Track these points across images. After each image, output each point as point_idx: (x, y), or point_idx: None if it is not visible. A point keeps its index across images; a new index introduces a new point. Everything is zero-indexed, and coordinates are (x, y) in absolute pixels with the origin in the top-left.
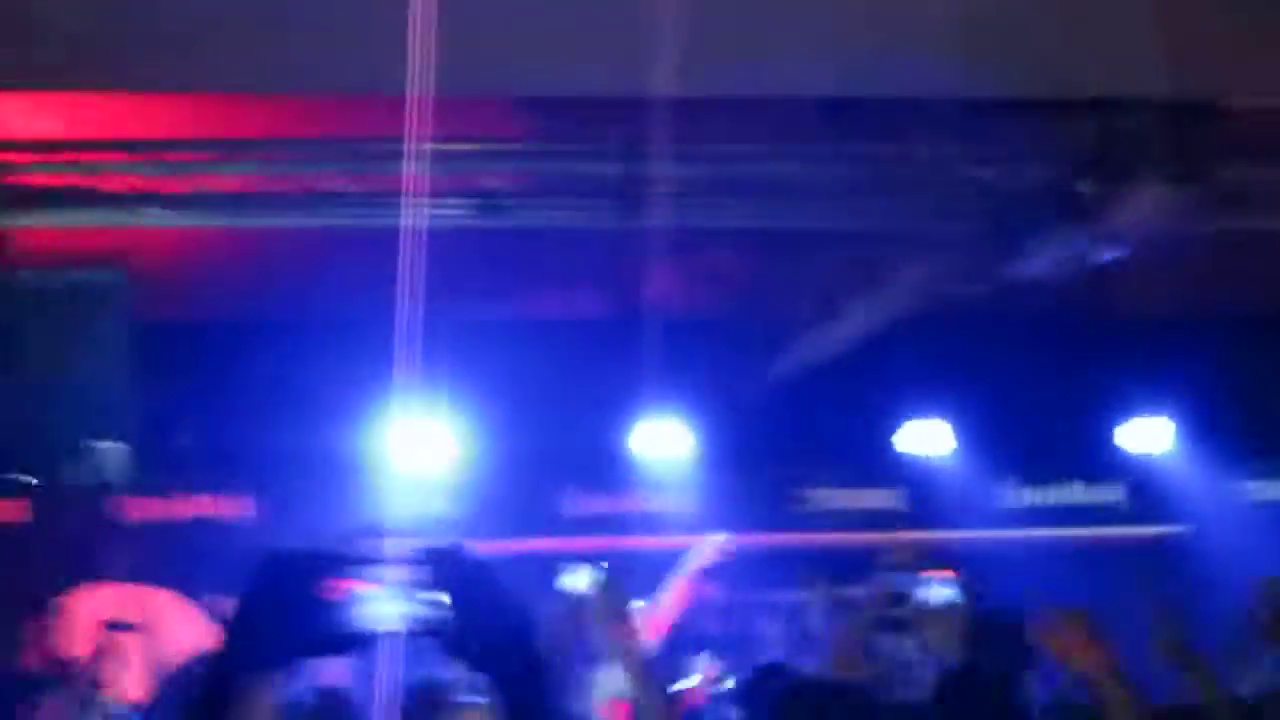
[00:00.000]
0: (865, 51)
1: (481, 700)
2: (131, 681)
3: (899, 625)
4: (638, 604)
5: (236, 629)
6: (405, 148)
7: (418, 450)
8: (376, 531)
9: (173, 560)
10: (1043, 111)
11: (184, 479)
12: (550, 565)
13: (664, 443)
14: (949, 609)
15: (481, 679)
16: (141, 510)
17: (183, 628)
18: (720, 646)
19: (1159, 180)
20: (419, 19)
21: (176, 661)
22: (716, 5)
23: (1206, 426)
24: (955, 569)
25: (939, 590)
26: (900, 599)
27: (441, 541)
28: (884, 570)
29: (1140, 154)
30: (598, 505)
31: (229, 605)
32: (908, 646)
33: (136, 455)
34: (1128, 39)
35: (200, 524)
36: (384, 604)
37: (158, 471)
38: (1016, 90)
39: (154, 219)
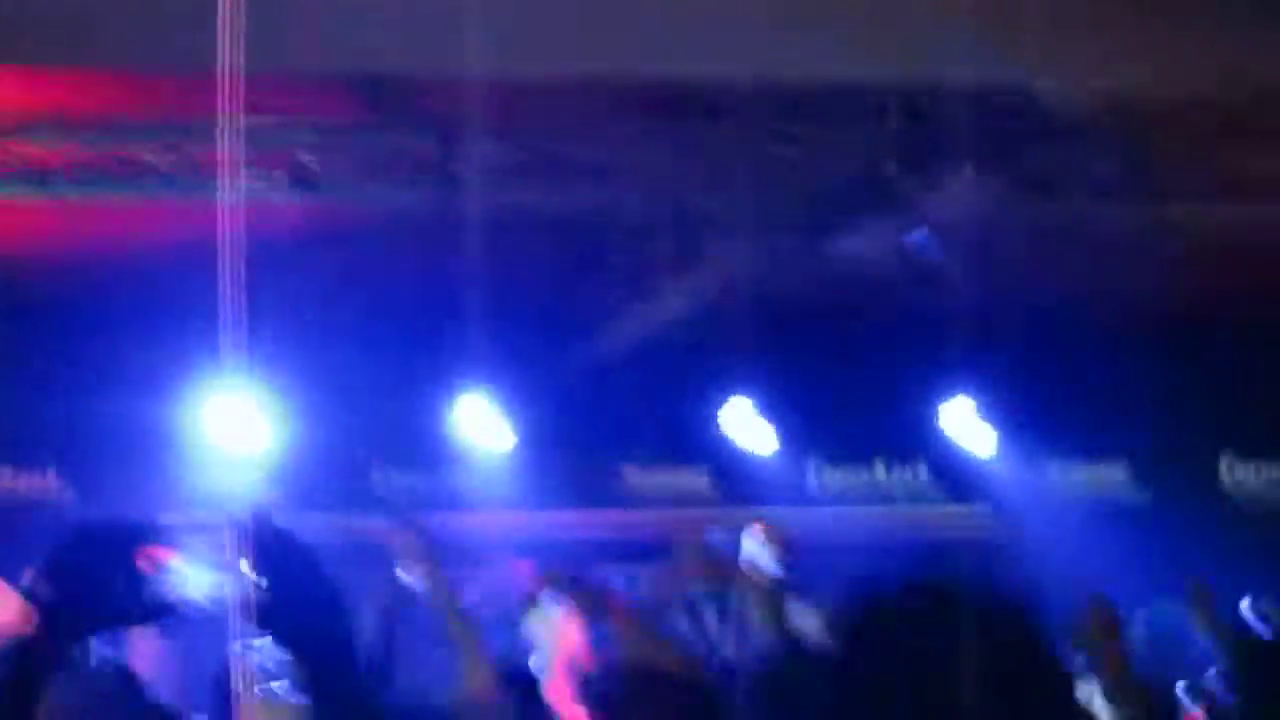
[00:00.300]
0: (679, 31)
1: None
2: None
3: (721, 587)
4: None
5: (47, 598)
6: (219, 122)
7: (231, 426)
8: (188, 505)
9: None
10: (852, 96)
11: None
12: (364, 543)
13: (480, 422)
14: (770, 566)
15: (287, 653)
16: None
17: None
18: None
19: (966, 167)
20: None
21: None
22: None
23: (1012, 411)
24: (767, 528)
25: (755, 548)
26: (719, 562)
27: (252, 513)
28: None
29: (949, 140)
30: (412, 482)
31: (39, 577)
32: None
33: None
34: (940, 23)
35: (6, 501)
36: (194, 574)
37: None
38: (826, 73)
39: None
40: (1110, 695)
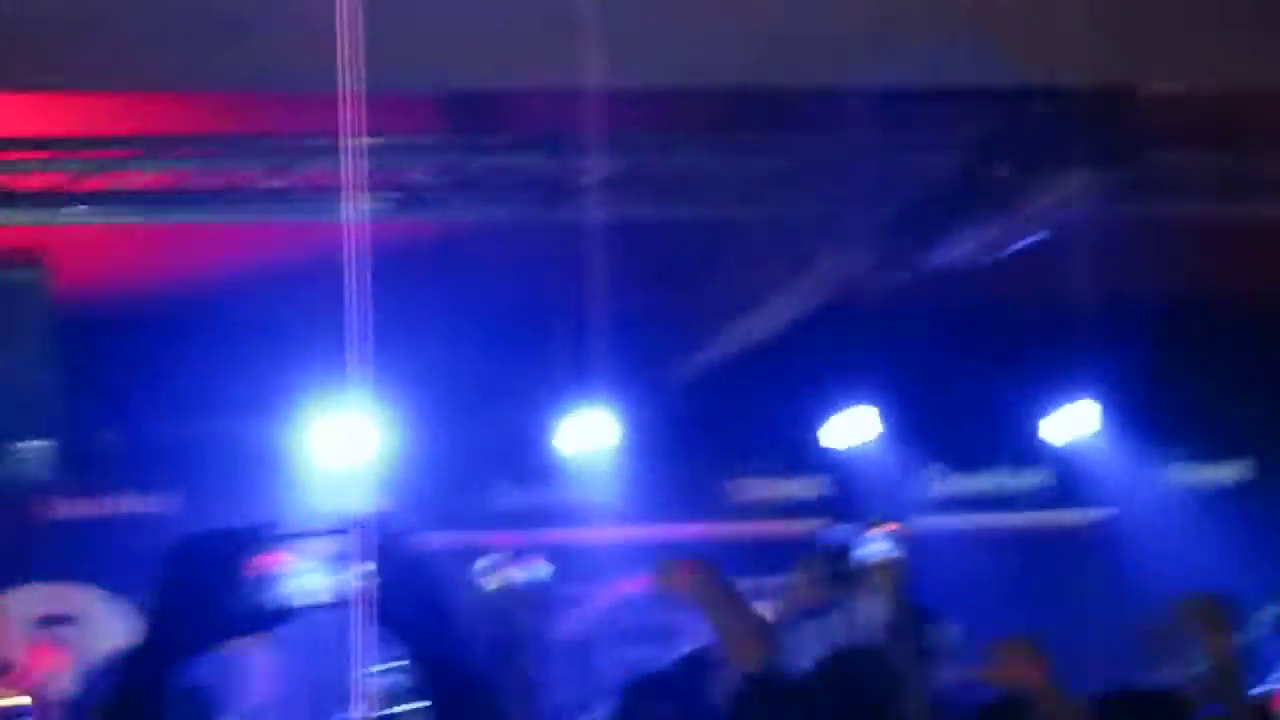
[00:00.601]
0: (782, 40)
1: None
2: (63, 680)
3: (842, 579)
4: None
5: (158, 613)
6: (330, 143)
7: (344, 445)
8: (300, 517)
9: (101, 558)
10: (958, 97)
11: (110, 476)
12: (479, 558)
13: (591, 435)
14: (889, 562)
15: (407, 653)
16: (68, 508)
17: (113, 625)
18: (651, 637)
19: (1077, 166)
20: (345, 13)
21: (106, 659)
22: None
23: (1129, 412)
24: (893, 523)
25: (879, 544)
26: (841, 554)
27: (367, 515)
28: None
29: (1057, 139)
30: (526, 498)
31: (152, 592)
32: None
33: (62, 453)
34: (1045, 23)
35: (128, 521)
36: (309, 577)
37: (83, 469)
38: (932, 77)
39: (73, 217)
40: (1212, 691)
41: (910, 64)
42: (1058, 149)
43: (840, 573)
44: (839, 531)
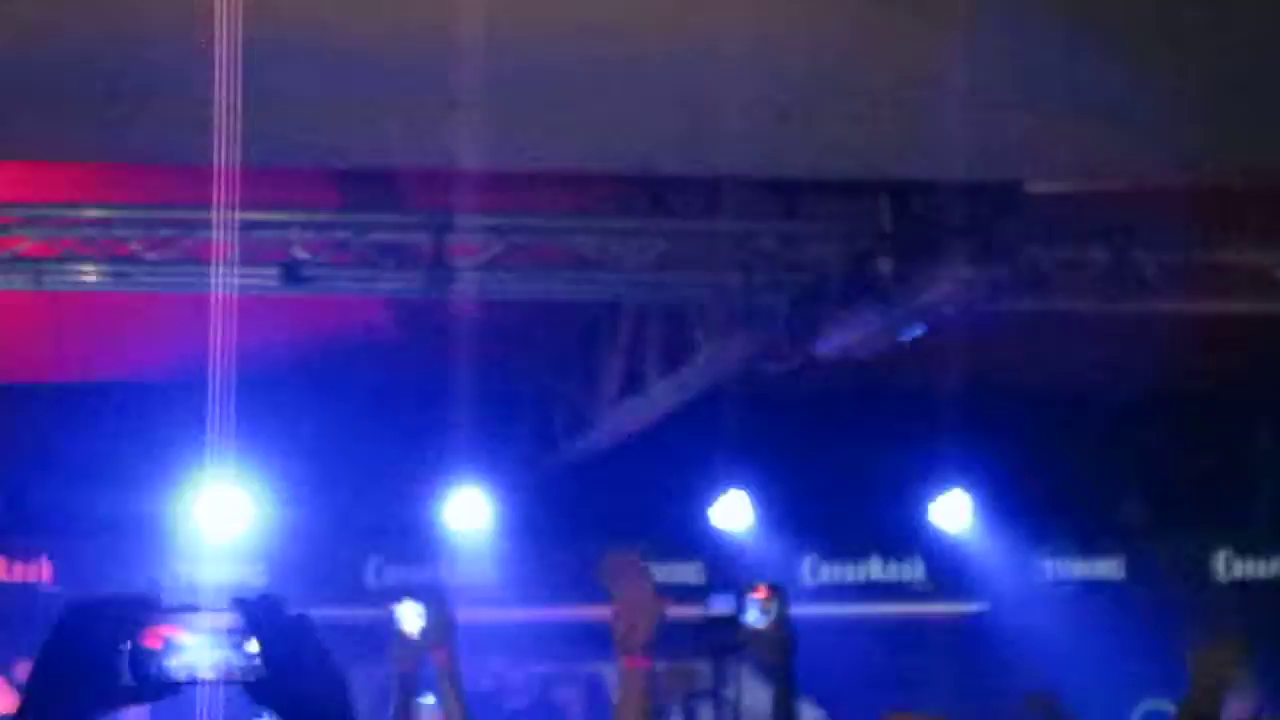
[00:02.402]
0: (673, 127)
1: None
2: None
3: (727, 649)
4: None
5: (42, 681)
6: (211, 214)
7: (221, 518)
8: (180, 589)
9: None
10: (845, 191)
11: None
12: (353, 633)
13: (471, 514)
14: (775, 627)
15: None
16: None
17: None
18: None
19: (959, 261)
20: (225, 87)
21: None
22: (525, 77)
23: (1006, 504)
24: (770, 591)
25: (761, 612)
26: (726, 622)
27: (253, 591)
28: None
29: (940, 235)
30: (404, 575)
31: (31, 663)
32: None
33: None
34: (929, 119)
35: (1, 587)
36: (196, 651)
37: None
38: (820, 168)
39: None
40: None
41: (797, 154)
42: (942, 243)
43: (727, 641)
44: (722, 600)
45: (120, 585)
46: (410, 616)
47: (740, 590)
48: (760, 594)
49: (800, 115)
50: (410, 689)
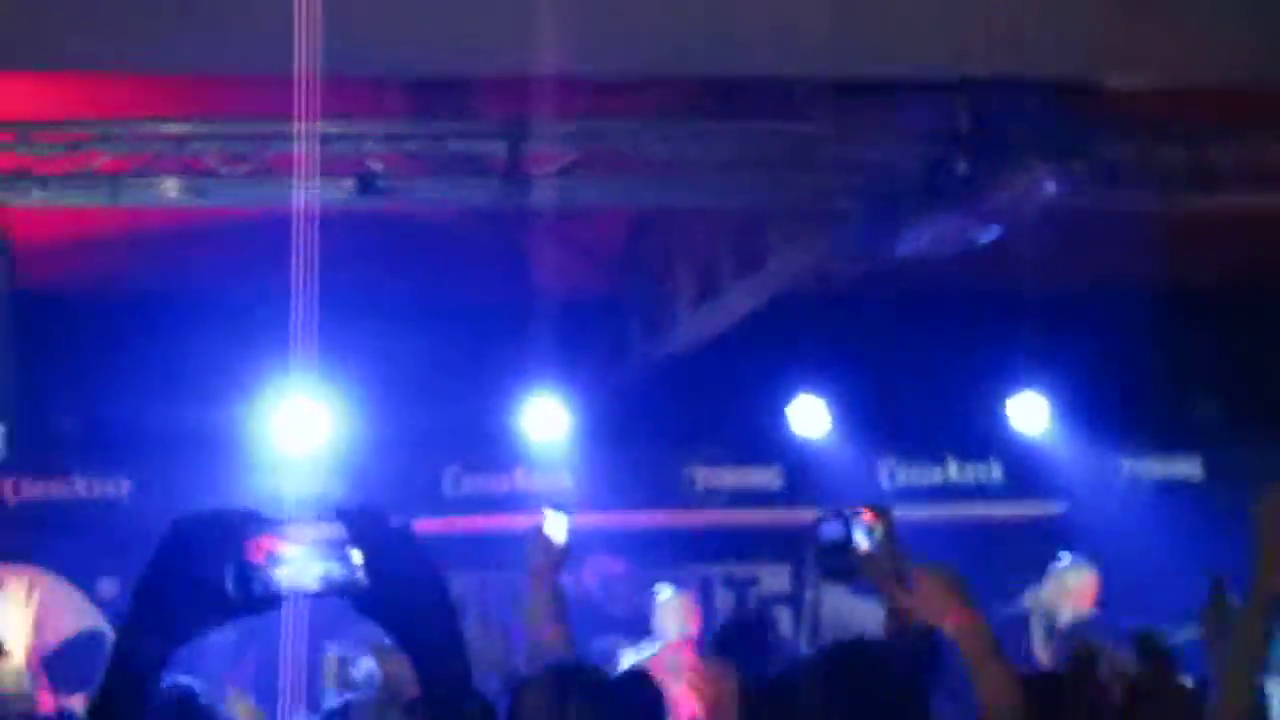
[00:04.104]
0: (745, 29)
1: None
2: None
3: (842, 572)
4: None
5: (151, 594)
6: (287, 128)
7: (300, 430)
8: (264, 503)
9: (54, 541)
10: (920, 91)
11: (64, 458)
12: (434, 545)
13: (549, 422)
14: (885, 547)
15: (396, 642)
16: (21, 490)
17: (66, 609)
18: (625, 626)
19: (1037, 160)
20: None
21: (60, 643)
22: None
23: (1085, 404)
24: (878, 511)
25: (870, 532)
26: (839, 546)
27: (353, 502)
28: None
29: (1018, 133)
30: (481, 484)
31: (118, 582)
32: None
33: (16, 434)
34: (1006, 18)
35: (81, 504)
36: (300, 563)
37: (38, 450)
38: (893, 70)
39: (34, 198)
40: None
41: (870, 55)
42: (1018, 143)
43: (839, 564)
44: (834, 522)
45: (200, 501)
46: (556, 525)
47: (846, 515)
48: (867, 516)
49: (874, 14)
50: (559, 597)
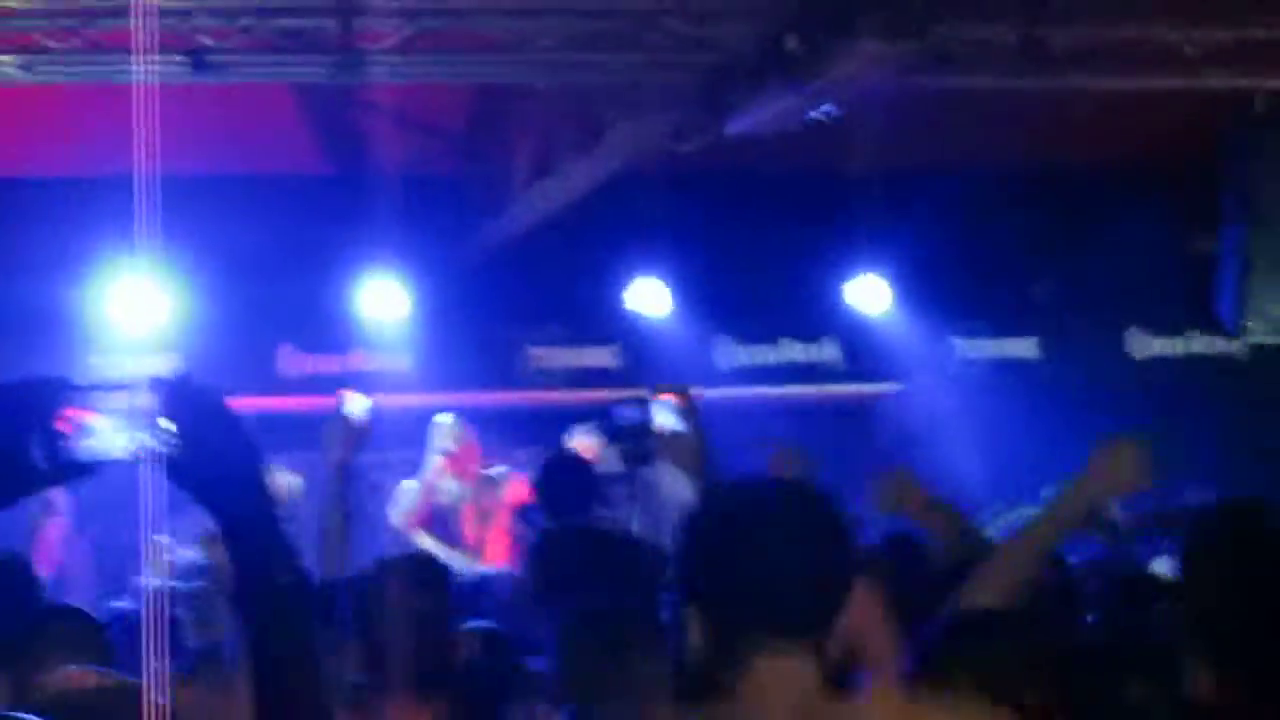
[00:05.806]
0: None
1: None
2: None
3: (643, 456)
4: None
5: None
6: (121, 2)
7: (134, 309)
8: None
9: None
10: None
11: None
12: (267, 424)
13: (386, 302)
14: (686, 430)
15: (208, 512)
16: None
17: None
18: None
19: (868, 37)
20: None
21: None
22: None
23: (921, 284)
24: (680, 393)
25: (672, 414)
26: (639, 429)
27: (167, 372)
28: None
29: (849, 10)
30: (317, 364)
31: None
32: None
33: None
34: None
35: None
36: (109, 433)
37: None
38: None
39: None
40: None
41: None
42: (848, 20)
43: (636, 447)
44: (631, 405)
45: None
46: (357, 407)
47: (645, 398)
48: (672, 397)
49: None
50: (348, 479)
